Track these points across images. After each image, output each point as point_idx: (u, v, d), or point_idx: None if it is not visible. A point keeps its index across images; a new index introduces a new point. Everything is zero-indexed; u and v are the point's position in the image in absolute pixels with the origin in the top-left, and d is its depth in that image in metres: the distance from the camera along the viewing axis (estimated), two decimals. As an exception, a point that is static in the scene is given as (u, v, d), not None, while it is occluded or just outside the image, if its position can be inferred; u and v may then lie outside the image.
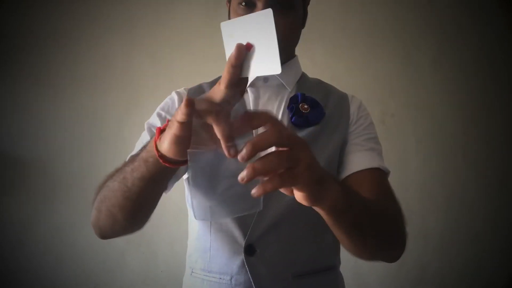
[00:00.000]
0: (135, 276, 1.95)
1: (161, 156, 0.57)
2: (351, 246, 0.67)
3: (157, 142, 0.57)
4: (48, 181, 1.94)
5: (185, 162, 0.58)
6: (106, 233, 0.78)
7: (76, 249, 1.93)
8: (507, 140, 1.98)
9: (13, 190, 1.93)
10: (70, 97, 1.98)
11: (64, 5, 2.00)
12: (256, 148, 0.46)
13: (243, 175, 0.46)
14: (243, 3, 0.82)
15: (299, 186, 0.50)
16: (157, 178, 0.63)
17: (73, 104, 1.98)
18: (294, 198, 0.79)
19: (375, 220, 0.66)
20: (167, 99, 0.93)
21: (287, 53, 0.89)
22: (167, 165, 0.58)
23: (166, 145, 0.54)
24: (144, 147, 0.64)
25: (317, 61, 1.98)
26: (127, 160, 0.77)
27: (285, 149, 0.47)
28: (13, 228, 1.92)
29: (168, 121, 0.55)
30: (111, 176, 0.72)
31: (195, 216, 0.56)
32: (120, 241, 1.94)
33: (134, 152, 0.82)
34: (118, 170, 0.70)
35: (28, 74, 1.97)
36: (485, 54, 2.01)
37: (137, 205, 0.68)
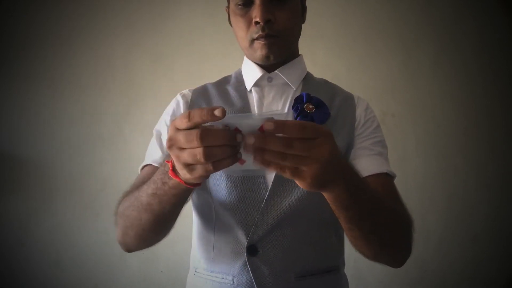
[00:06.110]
0: (135, 276, 1.95)
1: (192, 184, 0.59)
2: (351, 239, 0.70)
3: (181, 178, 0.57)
4: (48, 181, 1.94)
5: None
6: (134, 249, 0.83)
7: (76, 249, 1.92)
8: (508, 140, 1.98)
9: (12, 190, 1.93)
10: (70, 97, 1.97)
11: (64, 4, 1.99)
12: (277, 129, 0.47)
13: (251, 140, 0.47)
14: (241, 4, 0.83)
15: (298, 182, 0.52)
16: (185, 198, 0.69)
17: (73, 104, 1.97)
18: (297, 199, 0.80)
19: (382, 219, 0.67)
20: (172, 103, 0.92)
21: (289, 48, 0.88)
22: (198, 187, 0.61)
23: (193, 179, 0.55)
24: (164, 183, 0.63)
25: (318, 61, 1.98)
26: (139, 171, 0.84)
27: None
28: (13, 228, 1.92)
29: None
30: (129, 198, 0.74)
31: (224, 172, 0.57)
32: (120, 241, 1.94)
33: (145, 163, 0.86)
34: (137, 198, 0.71)
35: (28, 74, 1.96)
36: (485, 54, 2.01)
37: (167, 224, 0.76)
